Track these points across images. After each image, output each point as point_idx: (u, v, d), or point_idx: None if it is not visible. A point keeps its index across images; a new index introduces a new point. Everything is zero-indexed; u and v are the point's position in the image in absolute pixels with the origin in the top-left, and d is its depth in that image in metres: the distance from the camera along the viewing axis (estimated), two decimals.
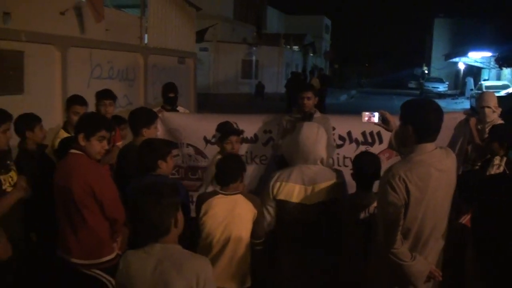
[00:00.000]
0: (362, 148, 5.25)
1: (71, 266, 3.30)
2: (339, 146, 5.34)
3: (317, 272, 3.27)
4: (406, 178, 2.64)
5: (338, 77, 47.31)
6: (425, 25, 61.22)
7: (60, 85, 9.58)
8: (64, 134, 4.55)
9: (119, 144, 4.96)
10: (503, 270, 1.03)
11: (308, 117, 4.79)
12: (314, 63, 46.06)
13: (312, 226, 3.26)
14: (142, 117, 4.34)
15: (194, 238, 3.34)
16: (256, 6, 37.79)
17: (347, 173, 3.67)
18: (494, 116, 5.13)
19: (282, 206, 3.27)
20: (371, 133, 5.34)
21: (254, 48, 32.45)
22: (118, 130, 5.04)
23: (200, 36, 20.84)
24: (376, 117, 3.34)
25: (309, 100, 4.96)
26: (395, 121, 3.23)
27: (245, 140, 5.29)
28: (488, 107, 5.13)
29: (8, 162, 3.69)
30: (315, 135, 3.31)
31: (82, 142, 3.28)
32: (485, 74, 34.96)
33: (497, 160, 4.21)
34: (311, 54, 46.04)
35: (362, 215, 3.42)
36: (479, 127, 5.17)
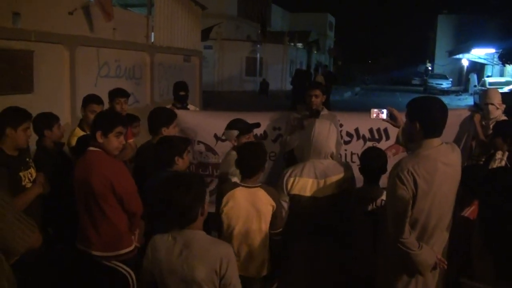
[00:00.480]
0: (369, 144, 5.37)
1: (91, 258, 3.43)
2: (346, 143, 5.45)
3: (327, 263, 3.40)
4: (414, 171, 2.77)
5: (342, 74, 47.24)
6: (428, 21, 61.25)
7: (69, 84, 9.74)
8: (80, 132, 4.69)
9: (131, 141, 5.08)
10: (508, 247, 1.15)
11: (315, 114, 4.90)
12: (318, 60, 46.12)
13: (323, 218, 3.39)
14: (162, 116, 4.46)
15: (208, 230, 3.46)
16: (260, 4, 37.84)
17: (355, 168, 3.79)
18: (498, 112, 5.24)
19: (295, 200, 3.39)
20: (378, 130, 5.45)
21: (259, 46, 32.56)
22: (130, 128, 5.17)
23: (205, 34, 20.95)
24: (384, 114, 3.47)
25: (317, 98, 5.06)
26: (402, 118, 3.36)
27: (255, 137, 5.41)
28: (492, 104, 5.24)
29: (28, 159, 3.83)
30: (327, 131, 3.44)
31: (100, 139, 3.39)
32: (488, 71, 34.93)
33: (499, 154, 4.34)
34: (315, 52, 46.09)
35: (369, 208, 3.56)
36: (483, 123, 5.29)
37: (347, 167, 3.58)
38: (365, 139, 5.47)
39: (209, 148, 5.62)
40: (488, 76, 31.48)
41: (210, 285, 2.42)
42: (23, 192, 3.60)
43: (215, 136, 5.59)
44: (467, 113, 5.40)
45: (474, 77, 34.00)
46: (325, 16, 55.29)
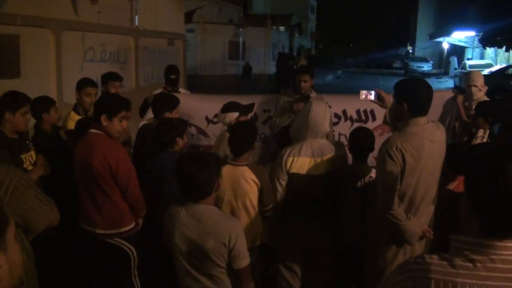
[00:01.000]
0: (357, 125, 5.54)
1: (94, 236, 3.57)
2: (334, 124, 5.60)
3: (321, 235, 3.59)
4: (403, 148, 2.97)
5: (323, 57, 47.42)
6: (409, 4, 61.51)
7: (55, 68, 9.72)
8: (75, 116, 4.76)
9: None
10: (494, 203, 1.33)
11: (305, 98, 5.05)
12: (300, 43, 46.17)
13: (318, 193, 3.58)
14: (166, 102, 4.61)
15: None
16: None
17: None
18: (480, 94, 5.45)
19: (294, 178, 3.56)
20: (365, 111, 5.62)
21: (241, 29, 32.47)
22: None
23: (188, 17, 20.86)
24: (372, 95, 3.66)
25: (306, 83, 5.21)
26: (389, 99, 3.55)
27: None
28: (475, 86, 5.45)
29: (28, 142, 3.92)
30: (324, 112, 3.60)
31: (104, 122, 3.49)
32: (469, 53, 35.40)
33: (480, 132, 4.57)
34: (297, 35, 46.12)
35: (359, 184, 3.76)
36: (466, 104, 5.49)
37: (340, 146, 3.78)
38: (352, 120, 5.64)
39: (200, 131, 5.75)
40: (468, 59, 31.92)
41: (219, 256, 2.60)
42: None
43: (206, 118, 5.72)
44: (450, 95, 5.59)
45: (454, 60, 34.40)
46: None
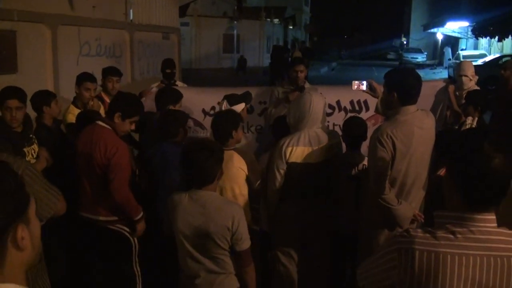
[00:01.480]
0: (351, 115, 5.62)
1: (96, 223, 3.67)
2: (329, 115, 5.69)
3: (316, 221, 3.72)
4: (393, 135, 3.10)
5: (318, 49, 47.50)
6: None
7: (51, 63, 9.78)
8: (74, 110, 4.86)
9: None
10: (473, 180, 1.46)
11: (301, 89, 5.18)
12: (294, 36, 46.21)
13: (314, 181, 3.70)
14: (171, 95, 4.78)
15: None
16: None
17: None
18: (471, 84, 5.58)
19: (292, 167, 3.66)
20: (358, 102, 5.74)
21: (235, 22, 32.50)
22: None
23: (182, 11, 20.92)
24: (364, 85, 3.79)
25: (302, 73, 5.36)
26: (380, 89, 3.68)
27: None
28: (466, 75, 5.59)
29: (31, 135, 4.03)
30: (322, 103, 3.73)
31: (117, 120, 3.58)
32: (462, 44, 35.54)
33: (469, 120, 4.70)
34: (292, 27, 46.15)
35: (352, 172, 3.89)
36: (457, 93, 5.63)
37: (335, 134, 3.92)
38: (346, 111, 5.75)
39: (197, 123, 5.85)
40: (462, 49, 32.05)
41: (223, 239, 2.74)
42: None
43: (203, 111, 5.82)
44: (442, 84, 5.72)
45: (448, 51, 34.52)
46: None
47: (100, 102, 5.15)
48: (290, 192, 3.71)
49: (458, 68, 5.87)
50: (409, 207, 3.22)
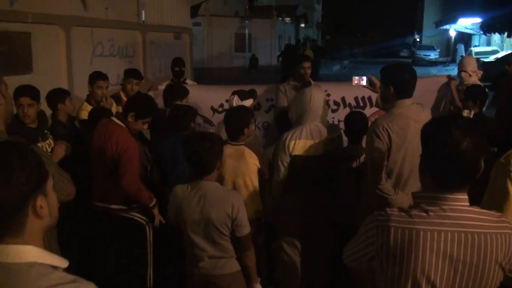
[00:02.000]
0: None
1: (110, 212, 3.88)
2: (334, 111, 5.85)
3: (317, 213, 3.87)
4: (389, 127, 3.24)
5: (330, 47, 47.52)
6: None
7: (65, 63, 10.00)
8: (88, 107, 5.08)
9: None
10: (444, 162, 1.63)
11: (308, 84, 5.35)
12: (306, 34, 46.25)
13: (316, 173, 3.86)
14: (176, 92, 5.01)
15: None
16: None
17: (342, 133, 4.26)
18: (471, 79, 5.67)
19: (295, 159, 3.82)
20: (363, 98, 5.87)
21: (247, 21, 32.68)
22: None
23: (194, 11, 21.10)
24: (364, 81, 3.93)
25: (308, 70, 5.55)
26: (380, 84, 3.81)
27: None
28: (465, 71, 5.70)
29: (46, 131, 4.23)
30: (322, 98, 3.90)
31: (130, 119, 3.81)
32: (475, 40, 35.32)
33: (465, 113, 4.81)
34: (303, 26, 46.21)
35: (354, 165, 4.04)
36: (460, 88, 5.74)
37: (336, 128, 4.10)
38: (351, 107, 5.87)
39: (206, 120, 6.02)
40: (474, 46, 31.90)
41: (224, 226, 2.94)
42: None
43: (212, 108, 5.99)
44: (444, 80, 5.81)
45: (461, 47, 34.38)
46: None
47: (112, 100, 5.35)
48: (293, 184, 3.86)
49: (459, 64, 6.00)
50: (406, 197, 3.33)
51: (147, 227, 3.92)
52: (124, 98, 5.52)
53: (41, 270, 1.33)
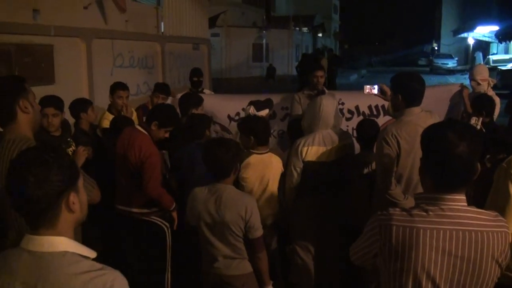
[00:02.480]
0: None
1: (131, 215, 4.06)
2: (348, 119, 5.97)
3: (330, 219, 3.98)
4: (398, 134, 3.36)
5: (348, 57, 47.56)
6: (434, 0, 61.08)
7: (86, 74, 10.28)
8: (109, 116, 5.29)
9: None
10: (441, 165, 1.73)
11: (322, 93, 5.50)
12: (324, 44, 46.32)
13: (329, 179, 3.99)
14: (192, 99, 5.23)
15: None
16: None
17: (355, 140, 4.38)
18: (480, 88, 5.71)
19: (308, 165, 3.96)
20: (376, 106, 5.99)
21: (264, 32, 32.92)
22: None
23: (212, 22, 21.41)
24: (376, 89, 4.05)
25: (322, 78, 5.70)
26: (391, 92, 3.92)
27: None
28: (474, 80, 5.77)
29: (69, 139, 4.42)
30: (332, 105, 4.02)
31: (154, 127, 4.00)
32: (493, 48, 35.06)
33: (473, 120, 4.86)
34: (321, 35, 46.31)
35: (365, 171, 4.15)
36: (471, 96, 5.79)
37: (347, 135, 4.23)
38: (364, 115, 5.99)
39: (224, 128, 6.19)
40: (493, 54, 31.66)
41: (237, 227, 3.09)
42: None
43: (229, 116, 6.16)
44: (457, 89, 5.90)
45: (479, 56, 34.14)
46: None
47: (133, 109, 5.54)
48: (306, 189, 3.99)
49: (469, 72, 6.10)
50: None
51: (167, 231, 4.08)
52: None
53: (72, 258, 1.50)
